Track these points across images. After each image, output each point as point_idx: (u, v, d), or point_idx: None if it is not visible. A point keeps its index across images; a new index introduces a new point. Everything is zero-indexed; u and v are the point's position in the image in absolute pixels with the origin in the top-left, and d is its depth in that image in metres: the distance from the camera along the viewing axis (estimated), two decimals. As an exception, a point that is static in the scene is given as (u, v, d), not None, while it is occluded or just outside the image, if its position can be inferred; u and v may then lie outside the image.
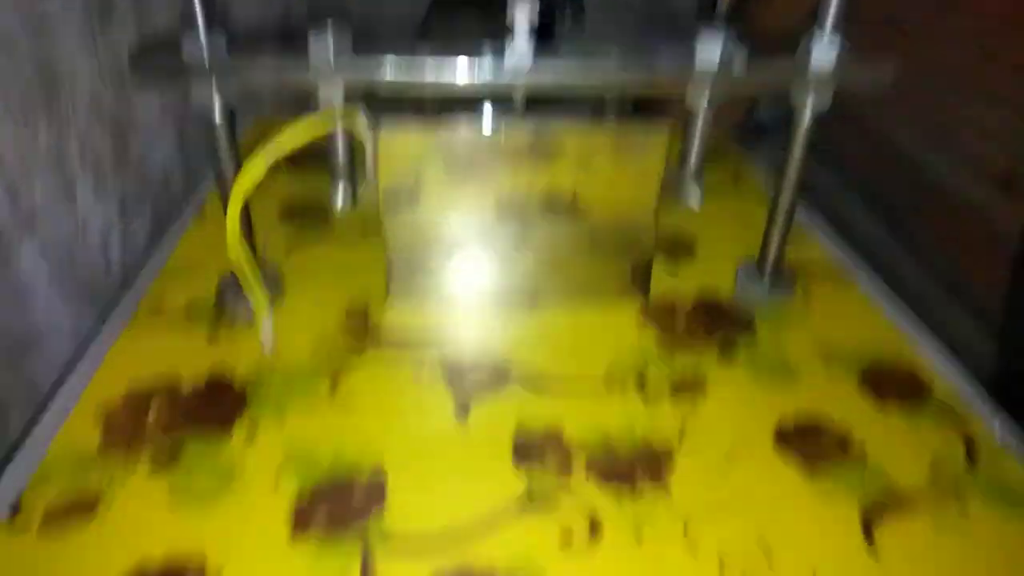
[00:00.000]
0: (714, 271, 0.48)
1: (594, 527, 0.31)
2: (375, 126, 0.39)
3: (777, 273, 0.46)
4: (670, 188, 0.43)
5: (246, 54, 0.37)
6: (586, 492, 0.32)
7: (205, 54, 0.37)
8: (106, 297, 0.50)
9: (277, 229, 0.52)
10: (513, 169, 0.41)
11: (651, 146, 0.41)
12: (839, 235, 0.54)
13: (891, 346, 0.42)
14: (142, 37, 0.56)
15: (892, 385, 0.39)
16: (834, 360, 0.41)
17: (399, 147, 0.40)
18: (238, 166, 0.40)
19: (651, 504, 0.32)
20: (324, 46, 0.37)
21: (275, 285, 0.45)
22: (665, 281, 0.47)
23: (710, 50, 0.37)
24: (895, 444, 0.35)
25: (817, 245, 0.52)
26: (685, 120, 0.41)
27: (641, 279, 0.45)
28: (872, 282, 0.48)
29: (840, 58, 0.38)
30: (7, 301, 0.42)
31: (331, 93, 0.38)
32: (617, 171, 0.41)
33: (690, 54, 0.38)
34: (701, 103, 0.40)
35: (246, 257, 0.39)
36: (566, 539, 0.30)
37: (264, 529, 0.30)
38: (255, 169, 0.36)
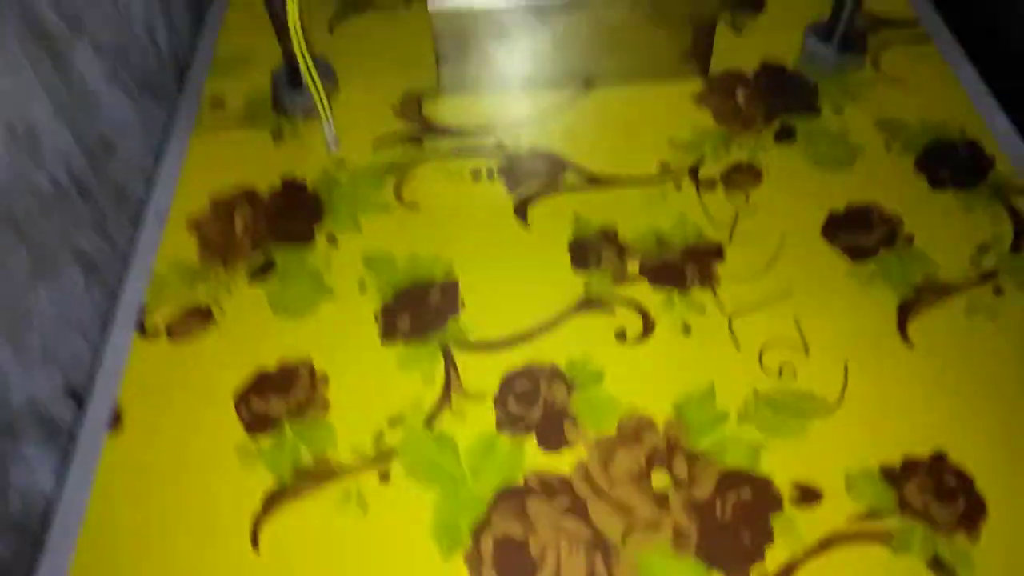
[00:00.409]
0: (784, 28, 0.46)
1: (647, 325, 0.34)
2: None
3: (847, 37, 0.43)
4: None
5: None
6: (639, 293, 0.35)
7: None
8: (166, 90, 0.51)
9: (317, 2, 0.50)
10: None
11: None
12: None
13: (958, 121, 0.41)
14: None
15: (950, 166, 0.39)
16: (895, 139, 0.40)
17: None
18: None
19: (699, 302, 0.35)
20: None
21: (328, 75, 0.44)
22: (728, 42, 0.45)
23: None
24: (943, 231, 0.37)
25: (904, 2, 0.48)
26: None
27: (703, 48, 0.43)
28: (953, 46, 0.45)
29: None
30: (77, 107, 0.44)
31: None
32: None
33: None
34: None
35: (305, 57, 0.38)
36: (620, 336, 0.34)
37: (358, 334, 0.35)
38: None
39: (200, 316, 0.36)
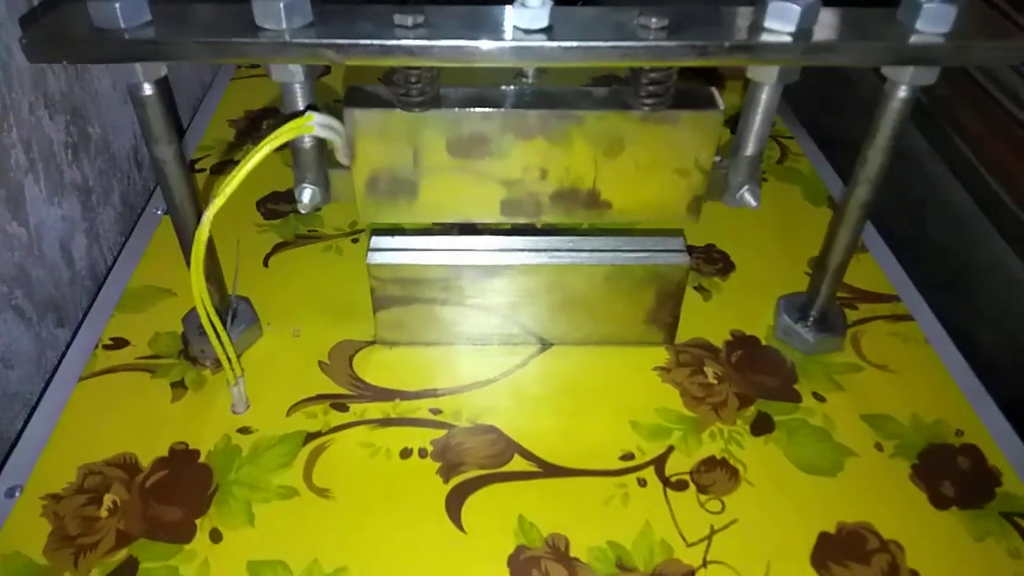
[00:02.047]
0: (755, 293, 0.42)
1: None
2: (344, 115, 0.32)
3: (825, 316, 0.39)
4: (716, 186, 0.35)
5: (172, 17, 0.29)
6: (593, 632, 0.28)
7: (119, 20, 0.28)
8: (72, 310, 0.45)
9: (256, 232, 0.46)
10: (519, 158, 0.33)
11: (697, 131, 0.33)
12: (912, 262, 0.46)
13: (955, 421, 0.36)
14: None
15: (953, 481, 0.34)
16: (888, 440, 0.35)
17: (380, 145, 0.33)
18: (179, 157, 0.32)
19: (667, 653, 0.28)
20: (274, 8, 0.28)
21: (249, 319, 0.39)
22: (696, 307, 0.41)
23: (784, 14, 0.29)
24: (951, 562, 0.31)
25: (871, 261, 0.45)
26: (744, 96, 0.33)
27: (669, 315, 0.39)
28: (936, 328, 0.41)
29: (957, 23, 0.29)
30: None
31: (285, 74, 0.30)
32: (649, 163, 0.34)
33: (758, 15, 0.29)
34: (769, 78, 0.32)
35: (208, 315, 0.33)
36: None
37: None
38: (213, 209, 0.30)
39: (24, 642, 0.28)
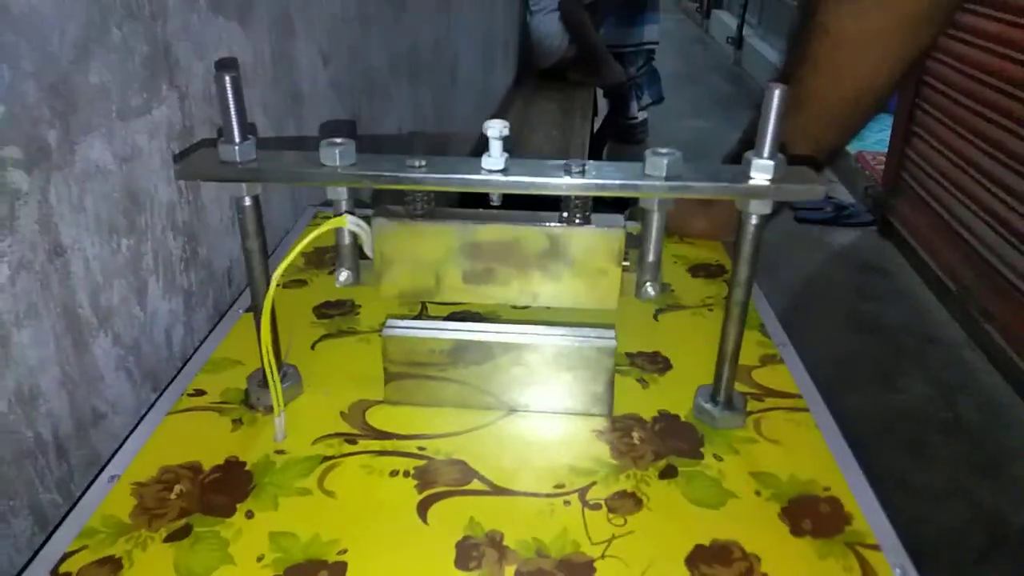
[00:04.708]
0: (683, 386, 0.53)
1: (508, 625, 0.37)
2: (368, 223, 0.47)
3: (730, 400, 0.50)
4: (629, 283, 0.48)
5: (270, 157, 0.46)
6: (509, 593, 0.38)
7: (236, 156, 0.45)
8: (163, 381, 0.60)
9: (309, 325, 0.61)
10: (486, 254, 0.48)
11: (605, 243, 0.47)
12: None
13: (824, 481, 0.46)
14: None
15: (812, 518, 0.43)
16: (766, 489, 0.45)
17: (393, 243, 0.48)
18: (263, 247, 0.48)
19: (562, 609, 0.37)
20: (331, 154, 0.45)
21: (294, 382, 0.53)
22: (634, 393, 0.53)
23: (656, 166, 0.44)
24: (796, 572, 0.40)
25: (785, 370, 0.56)
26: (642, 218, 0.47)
27: (605, 390, 0.50)
28: (827, 418, 0.52)
29: (776, 175, 0.43)
30: (82, 382, 0.52)
31: (336, 192, 0.46)
32: (580, 268, 0.48)
33: (640, 168, 0.44)
34: (652, 206, 0.46)
35: (270, 360, 0.47)
36: (481, 634, 0.36)
37: (242, 600, 0.38)
38: (277, 276, 0.45)
39: (111, 566, 0.39)
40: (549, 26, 2.67)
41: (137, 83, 0.56)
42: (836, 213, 2.74)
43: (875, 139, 3.17)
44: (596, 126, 2.90)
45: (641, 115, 2.96)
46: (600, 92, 2.86)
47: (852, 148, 3.12)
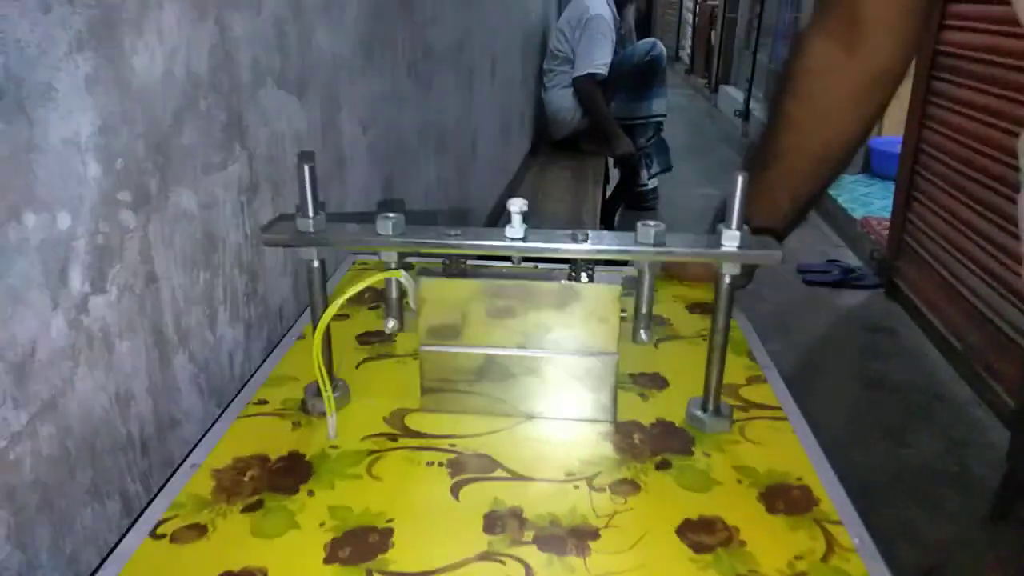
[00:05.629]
0: (679, 399, 0.62)
1: (528, 573, 0.44)
2: (415, 279, 0.57)
3: (718, 409, 0.59)
4: (627, 331, 0.57)
5: (335, 226, 0.56)
6: (527, 554, 0.46)
7: (311, 227, 0.56)
8: (227, 397, 0.69)
9: (353, 350, 0.70)
10: (509, 313, 0.57)
11: (607, 296, 0.56)
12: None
13: (797, 473, 0.54)
14: (274, 212, 0.78)
15: (785, 500, 0.51)
16: (746, 478, 0.53)
17: (433, 294, 0.58)
18: (326, 300, 0.58)
19: (571, 564, 0.45)
20: (386, 226, 0.55)
21: (343, 393, 0.62)
22: (635, 404, 0.61)
23: (646, 235, 0.53)
24: (770, 541, 0.47)
25: (768, 387, 0.65)
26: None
27: (610, 407, 0.59)
28: (804, 428, 0.60)
29: (742, 244, 0.53)
30: (164, 392, 0.61)
31: (389, 255, 0.56)
32: (584, 316, 0.57)
33: (633, 237, 0.54)
34: (644, 267, 0.55)
35: (322, 373, 0.56)
36: (505, 580, 0.44)
37: (307, 557, 0.46)
38: (332, 309, 0.54)
39: (198, 530, 0.48)
40: (563, 100, 2.84)
41: (216, 144, 0.68)
42: (843, 276, 2.82)
43: (879, 205, 3.28)
44: (608, 192, 3.04)
45: (651, 183, 3.10)
46: (611, 161, 3.01)
47: (857, 214, 3.23)
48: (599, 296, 0.57)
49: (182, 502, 0.50)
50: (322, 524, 0.48)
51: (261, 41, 0.75)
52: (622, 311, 0.57)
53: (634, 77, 2.87)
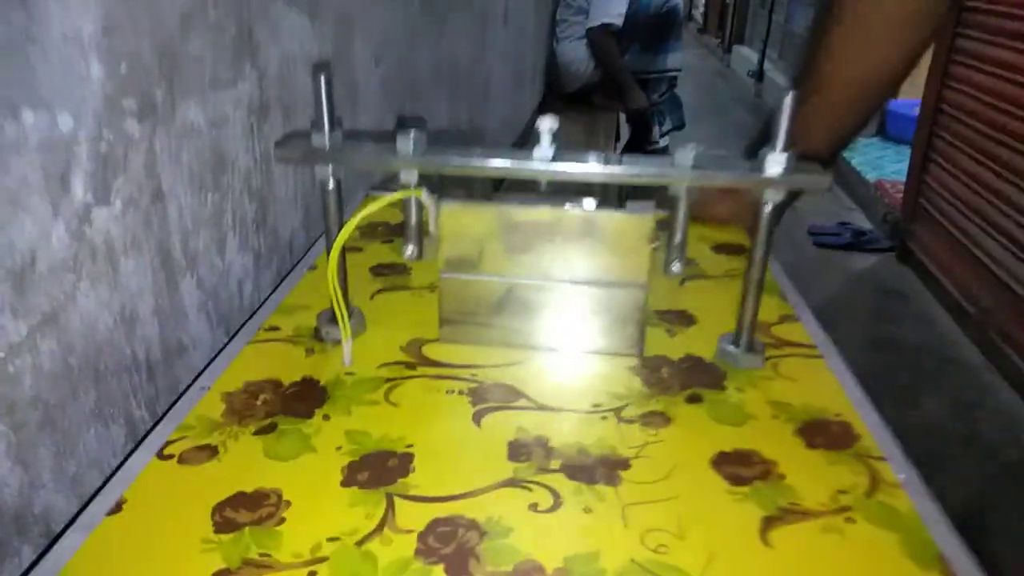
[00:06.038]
0: (707, 337, 0.59)
1: (556, 503, 0.42)
2: (436, 201, 0.54)
3: (751, 344, 0.56)
4: (658, 262, 0.54)
5: (353, 145, 0.53)
6: (555, 482, 0.44)
7: (326, 143, 0.52)
8: (236, 325, 0.66)
9: (368, 281, 0.67)
10: (534, 242, 0.54)
11: (640, 226, 0.53)
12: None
13: (835, 409, 0.51)
14: (285, 132, 0.74)
15: (824, 436, 0.48)
16: (782, 413, 0.50)
17: (455, 220, 0.54)
18: (342, 225, 0.55)
19: (602, 493, 0.43)
20: (407, 143, 0.52)
21: (359, 321, 0.59)
22: (663, 341, 0.59)
23: (684, 157, 0.50)
24: (810, 476, 0.45)
25: (800, 326, 0.62)
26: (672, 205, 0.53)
27: (638, 339, 0.56)
28: (840, 363, 0.57)
29: (787, 168, 0.49)
30: (170, 316, 0.59)
31: (409, 175, 0.53)
32: (614, 246, 0.54)
33: (670, 160, 0.50)
34: (680, 193, 0.52)
35: (338, 297, 0.53)
36: (532, 507, 0.42)
37: (324, 478, 0.43)
38: (349, 226, 0.51)
39: (208, 451, 0.45)
40: (576, 52, 2.77)
41: (226, 59, 0.64)
42: (855, 239, 2.78)
43: (893, 168, 3.23)
44: (618, 151, 2.98)
45: (663, 141, 3.04)
46: (623, 117, 2.94)
47: (871, 176, 3.18)
48: (631, 225, 0.54)
49: (191, 424, 0.48)
50: (339, 448, 0.46)
51: (272, -47, 0.70)
52: (654, 242, 0.54)
53: (649, 29, 2.79)
